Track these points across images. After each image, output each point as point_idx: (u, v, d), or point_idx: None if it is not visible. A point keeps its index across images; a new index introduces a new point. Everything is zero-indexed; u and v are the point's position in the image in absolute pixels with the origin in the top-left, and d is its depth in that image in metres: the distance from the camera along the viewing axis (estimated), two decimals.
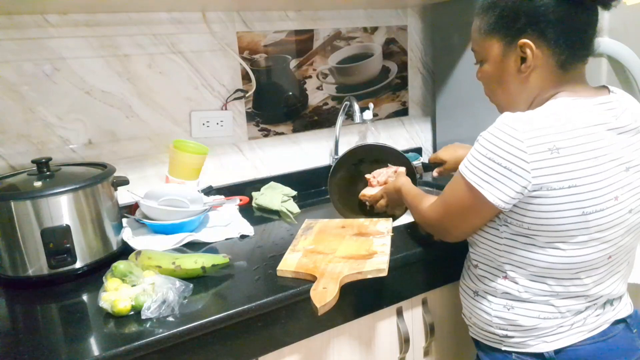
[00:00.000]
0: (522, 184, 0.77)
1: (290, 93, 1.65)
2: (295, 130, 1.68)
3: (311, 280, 0.95)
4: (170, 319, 0.87)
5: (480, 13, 0.91)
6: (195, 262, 0.99)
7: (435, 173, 1.33)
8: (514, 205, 0.81)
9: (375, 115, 1.77)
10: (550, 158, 0.76)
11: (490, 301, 0.94)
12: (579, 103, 0.82)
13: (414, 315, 1.18)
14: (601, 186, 0.79)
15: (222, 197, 1.44)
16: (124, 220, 1.26)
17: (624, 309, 0.93)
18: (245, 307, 0.90)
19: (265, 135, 1.63)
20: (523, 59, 0.85)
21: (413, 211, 1.07)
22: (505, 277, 0.90)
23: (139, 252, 1.02)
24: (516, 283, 0.89)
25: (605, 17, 1.29)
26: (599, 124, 0.81)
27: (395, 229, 1.19)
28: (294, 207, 1.48)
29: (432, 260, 1.14)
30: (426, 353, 1.22)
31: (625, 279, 0.95)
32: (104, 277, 0.94)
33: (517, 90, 0.89)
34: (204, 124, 1.50)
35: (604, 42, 1.30)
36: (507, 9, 0.85)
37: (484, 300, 0.95)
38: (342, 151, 1.71)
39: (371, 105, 1.75)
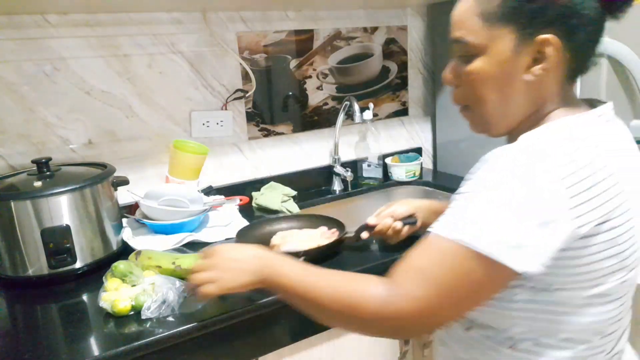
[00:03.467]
0: (562, 239, 0.58)
1: (290, 93, 1.64)
2: (295, 130, 1.68)
3: None
4: (170, 319, 0.87)
5: None
6: (195, 262, 0.99)
7: (364, 235, 1.07)
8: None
9: (375, 115, 1.77)
10: (590, 199, 0.59)
11: None
12: (589, 121, 0.66)
13: None
14: (635, 222, 0.65)
15: (222, 197, 1.44)
16: (124, 220, 1.26)
17: None
18: (245, 307, 0.90)
19: (265, 135, 1.63)
20: (535, 60, 0.66)
21: (340, 305, 0.67)
22: (513, 348, 0.68)
23: (139, 252, 1.02)
24: (530, 353, 0.67)
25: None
26: (617, 147, 0.67)
27: None
28: (294, 207, 1.48)
29: None
30: (426, 353, 1.22)
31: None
32: (104, 277, 0.94)
33: (519, 100, 0.68)
34: (204, 124, 1.50)
35: (604, 42, 1.30)
36: None
37: None
38: (342, 151, 1.71)
39: (371, 105, 1.75)
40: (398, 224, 1.06)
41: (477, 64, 0.68)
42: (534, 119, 0.69)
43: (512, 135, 0.71)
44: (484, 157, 0.62)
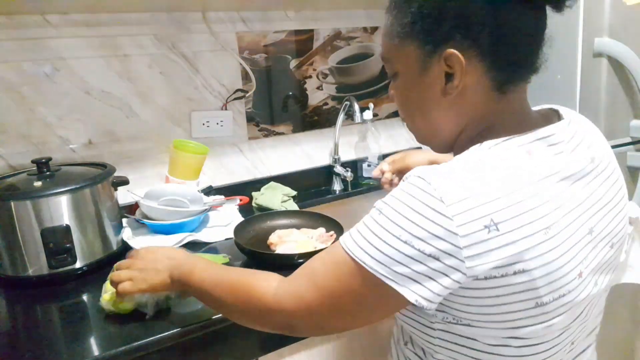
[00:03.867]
0: (453, 277, 0.55)
1: (290, 93, 1.64)
2: (295, 130, 1.68)
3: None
4: (171, 319, 0.87)
5: (393, 8, 0.66)
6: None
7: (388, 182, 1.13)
8: (444, 299, 0.59)
9: (375, 115, 1.77)
10: (487, 239, 0.54)
11: None
12: (513, 147, 0.60)
13: None
14: (559, 265, 0.57)
15: (222, 197, 1.44)
16: (124, 220, 1.26)
17: None
18: None
19: (265, 135, 1.63)
20: (449, 76, 0.62)
21: (236, 297, 0.70)
22: None
23: None
24: None
25: (605, 17, 1.30)
26: (547, 176, 0.59)
27: None
28: (293, 207, 1.48)
29: None
30: None
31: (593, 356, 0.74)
32: (109, 276, 0.92)
33: (442, 119, 0.66)
34: (204, 124, 1.50)
35: (603, 42, 1.30)
36: (429, 5, 0.61)
37: None
38: (342, 151, 1.71)
39: (371, 105, 1.75)
40: (388, 175, 1.14)
41: (399, 82, 0.69)
42: (468, 135, 0.66)
43: (457, 149, 0.68)
44: (407, 175, 0.60)
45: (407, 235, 0.55)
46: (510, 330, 0.60)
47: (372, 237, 0.58)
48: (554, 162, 0.60)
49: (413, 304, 0.57)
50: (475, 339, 0.62)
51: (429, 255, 0.55)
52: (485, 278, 0.56)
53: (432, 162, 1.08)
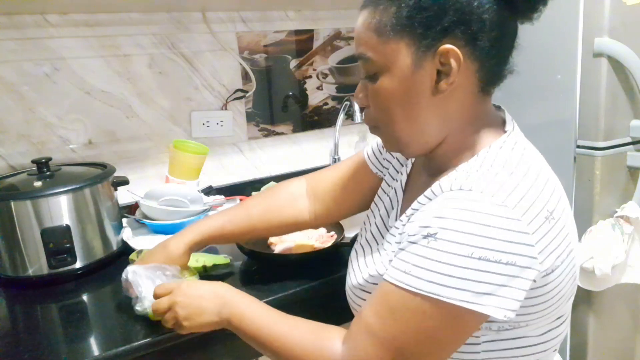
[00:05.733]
0: (530, 277, 0.54)
1: (290, 93, 1.64)
2: (295, 130, 1.68)
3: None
4: None
5: (381, 2, 0.62)
6: (196, 260, 1.00)
7: None
8: None
9: None
10: (549, 230, 0.56)
11: None
12: (513, 145, 0.63)
13: None
14: (576, 237, 0.63)
15: (222, 197, 1.44)
16: (124, 220, 1.26)
17: None
18: None
19: (265, 135, 1.63)
20: (440, 74, 0.61)
21: None
22: None
23: (140, 252, 1.02)
24: None
25: (605, 17, 1.29)
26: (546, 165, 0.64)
27: None
28: None
29: None
30: None
31: None
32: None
33: (429, 118, 0.63)
34: (204, 124, 1.50)
35: (603, 42, 1.30)
36: None
37: None
38: (342, 152, 1.71)
39: None
40: None
41: (381, 83, 0.63)
42: (457, 141, 0.65)
43: (432, 157, 0.68)
44: (442, 190, 0.58)
45: (480, 251, 0.53)
46: (556, 312, 0.62)
47: (438, 266, 0.53)
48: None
49: (499, 321, 0.56)
50: (522, 337, 0.61)
51: (507, 264, 0.53)
52: (552, 270, 0.57)
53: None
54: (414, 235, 0.57)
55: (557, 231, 0.57)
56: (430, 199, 0.61)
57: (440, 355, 0.59)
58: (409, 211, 0.65)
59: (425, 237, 0.55)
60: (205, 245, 0.89)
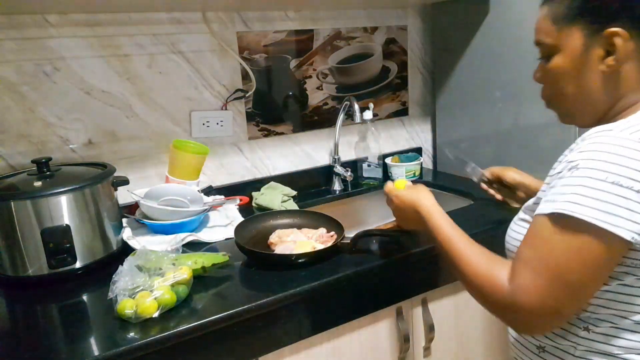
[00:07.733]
0: None
1: (290, 93, 1.64)
2: (295, 130, 1.68)
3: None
4: (171, 318, 0.87)
5: None
6: (195, 262, 0.99)
7: (498, 196, 1.22)
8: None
9: (375, 115, 1.77)
10: None
11: None
12: None
13: (414, 315, 1.18)
14: None
15: (222, 197, 1.44)
16: (124, 220, 1.26)
17: None
18: (245, 307, 0.90)
19: (265, 135, 1.63)
20: (607, 53, 0.70)
21: (471, 280, 0.74)
22: (587, 329, 0.71)
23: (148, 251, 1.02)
24: (606, 335, 0.70)
25: None
26: None
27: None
28: (293, 207, 1.48)
29: (433, 260, 1.14)
30: (426, 353, 1.22)
31: None
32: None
33: (598, 91, 0.73)
34: (204, 124, 1.50)
35: None
36: None
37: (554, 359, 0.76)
38: (342, 151, 1.72)
39: (371, 105, 1.75)
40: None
41: (555, 62, 0.75)
42: (619, 108, 0.73)
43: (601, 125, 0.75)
44: (583, 137, 0.67)
45: (613, 176, 0.60)
46: None
47: (576, 188, 0.62)
48: None
49: (626, 245, 0.61)
50: (633, 285, 0.66)
51: (638, 192, 0.60)
52: None
53: (524, 180, 1.16)
54: (561, 171, 0.66)
55: None
56: (578, 144, 0.68)
57: (593, 287, 0.65)
58: (560, 157, 0.72)
59: (569, 169, 0.65)
60: None
